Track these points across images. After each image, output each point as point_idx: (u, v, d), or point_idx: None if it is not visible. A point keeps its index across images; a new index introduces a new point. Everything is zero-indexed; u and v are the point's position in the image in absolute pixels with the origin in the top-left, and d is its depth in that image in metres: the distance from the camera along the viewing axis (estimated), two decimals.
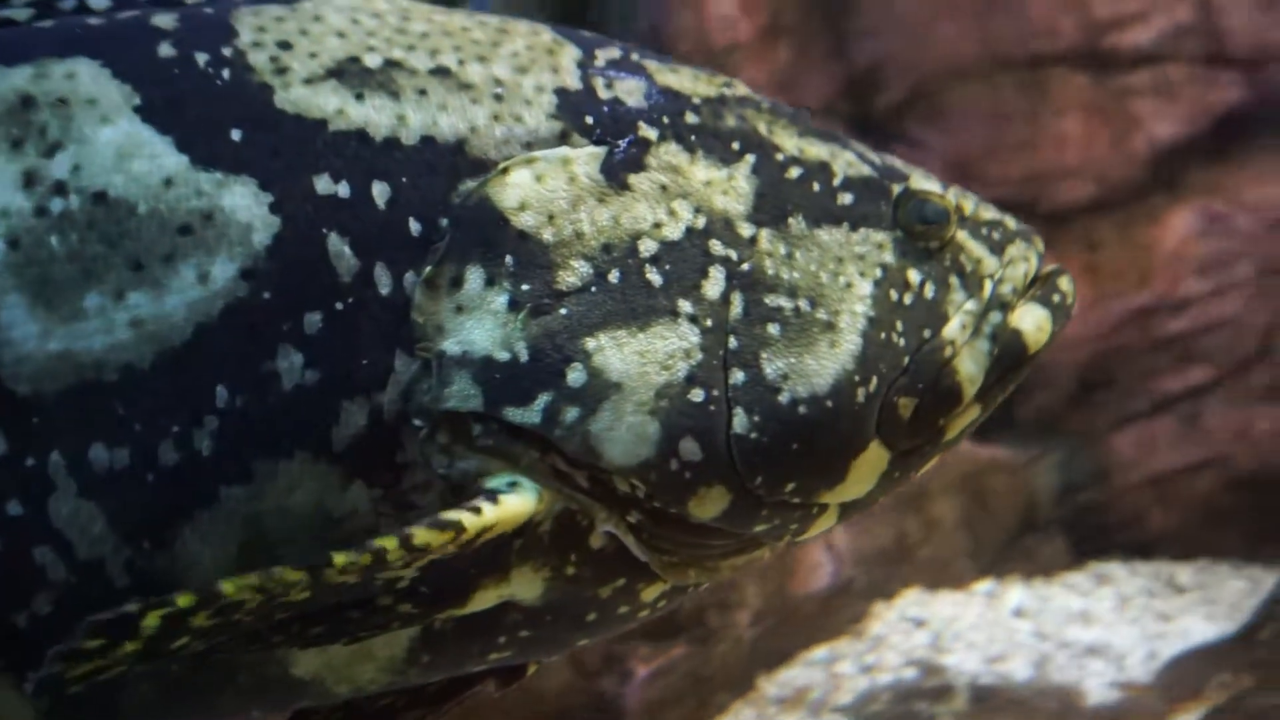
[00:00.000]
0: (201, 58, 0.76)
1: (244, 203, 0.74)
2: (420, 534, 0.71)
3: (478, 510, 0.73)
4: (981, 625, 2.57)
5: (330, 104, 0.77)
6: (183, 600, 0.67)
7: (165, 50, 0.76)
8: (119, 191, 0.73)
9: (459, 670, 0.87)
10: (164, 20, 0.77)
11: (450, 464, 0.76)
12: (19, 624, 0.73)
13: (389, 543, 0.71)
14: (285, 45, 0.78)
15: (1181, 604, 2.68)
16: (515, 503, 0.75)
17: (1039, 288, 0.92)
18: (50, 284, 0.72)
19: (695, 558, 0.83)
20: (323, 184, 0.75)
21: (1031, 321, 0.89)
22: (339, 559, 0.70)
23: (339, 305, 0.74)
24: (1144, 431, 2.83)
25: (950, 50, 2.60)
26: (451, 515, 0.73)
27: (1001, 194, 2.69)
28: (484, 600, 0.79)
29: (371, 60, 0.78)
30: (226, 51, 0.77)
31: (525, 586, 0.80)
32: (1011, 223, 0.96)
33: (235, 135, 0.75)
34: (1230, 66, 2.72)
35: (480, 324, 0.74)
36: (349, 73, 0.78)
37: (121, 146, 0.73)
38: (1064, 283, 0.96)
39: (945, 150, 2.70)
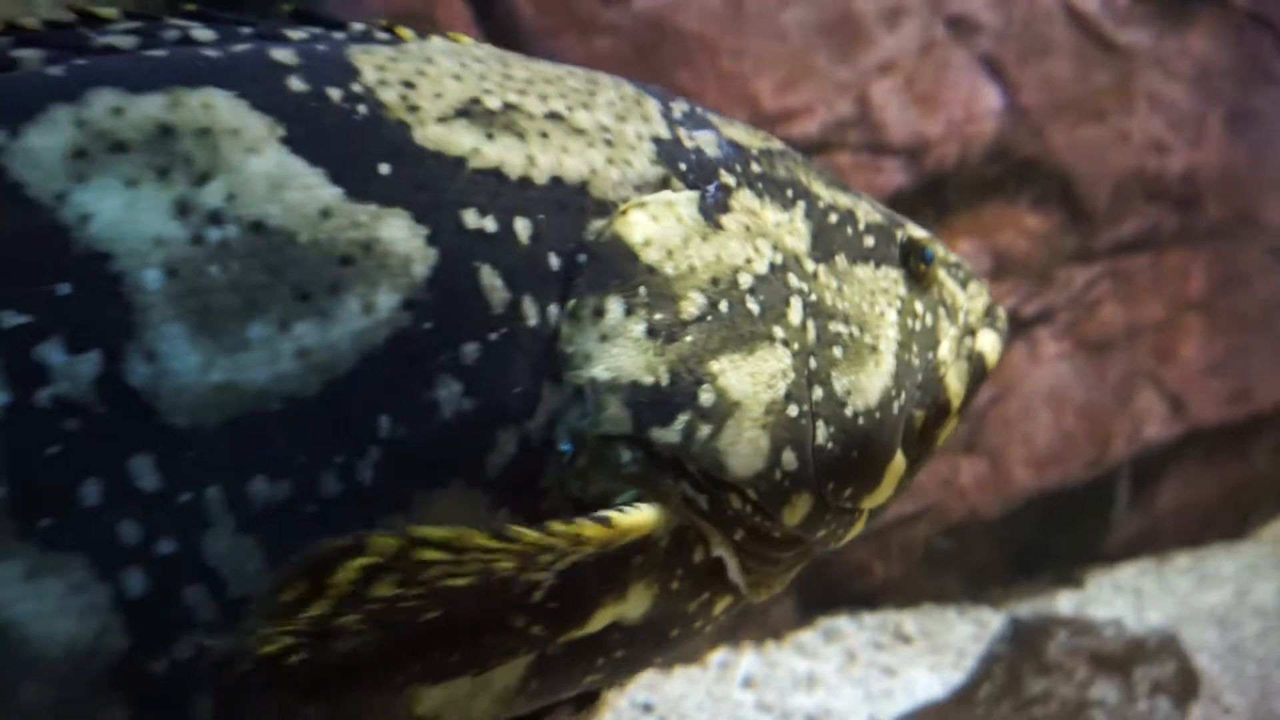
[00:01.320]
0: (335, 93, 0.78)
1: (401, 235, 0.75)
2: (586, 526, 0.72)
3: (622, 512, 0.76)
4: (708, 702, 2.55)
5: (465, 142, 0.80)
6: (385, 543, 0.65)
7: (297, 84, 0.77)
8: (277, 221, 0.73)
9: (556, 697, 0.88)
10: (284, 55, 0.79)
11: (584, 488, 0.79)
12: (156, 671, 0.67)
13: (557, 526, 0.72)
14: (409, 84, 0.81)
15: (908, 654, 2.74)
16: (648, 511, 0.79)
17: (988, 317, 1.06)
18: (212, 314, 0.71)
19: (769, 574, 0.93)
20: (471, 219, 0.78)
21: (989, 345, 1.05)
22: (519, 531, 0.70)
23: (493, 336, 0.76)
24: None
25: None
26: (603, 514, 0.75)
27: None
28: (602, 620, 0.82)
29: (492, 102, 0.83)
30: (356, 88, 0.79)
31: (636, 604, 0.83)
32: (967, 264, 1.09)
33: (383, 169, 0.77)
34: (893, 154, 3.04)
35: (625, 351, 0.79)
36: (475, 113, 0.82)
37: (273, 177, 0.74)
38: (1001, 312, 1.09)
39: None
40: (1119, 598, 3.32)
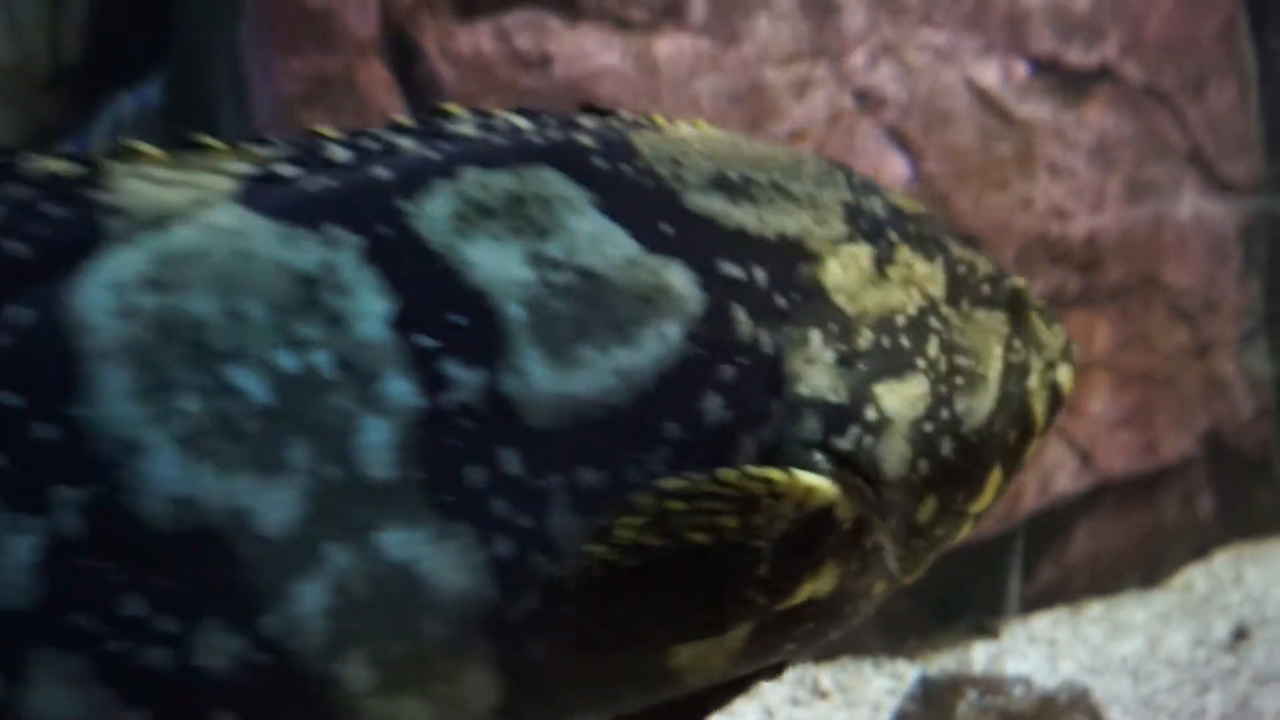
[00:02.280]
0: (626, 169, 1.00)
1: (682, 280, 0.96)
2: (773, 472, 0.91)
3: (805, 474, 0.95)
4: None
5: (718, 207, 1.01)
6: (645, 499, 0.87)
7: (599, 163, 1.00)
8: (599, 269, 0.94)
9: (764, 662, 1.05)
10: (587, 140, 1.01)
11: None
12: (511, 619, 0.88)
13: (774, 473, 0.91)
14: (676, 162, 1.03)
15: (825, 709, 2.78)
16: (827, 482, 0.97)
17: (1064, 353, 1.24)
18: (557, 340, 0.91)
19: (911, 562, 1.10)
20: (726, 268, 0.99)
21: (1065, 377, 1.22)
22: (726, 473, 0.89)
23: (742, 360, 0.97)
24: None
25: None
26: (789, 469, 0.94)
27: None
28: (804, 593, 0.99)
29: (733, 176, 1.04)
30: (640, 164, 1.01)
31: (826, 581, 1.00)
32: (1051, 308, 1.28)
33: (666, 229, 0.99)
34: None
35: (820, 374, 0.99)
36: (722, 184, 1.03)
37: (594, 234, 0.95)
38: (1074, 348, 1.27)
39: None
40: (1033, 648, 3.41)
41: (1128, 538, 4.00)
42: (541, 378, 0.89)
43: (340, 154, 0.91)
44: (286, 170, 0.89)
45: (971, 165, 3.51)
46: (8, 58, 2.57)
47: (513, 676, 0.87)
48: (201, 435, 0.78)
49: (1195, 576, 4.07)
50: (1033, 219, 3.69)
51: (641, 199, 0.98)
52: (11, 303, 0.76)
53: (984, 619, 3.48)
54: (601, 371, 0.90)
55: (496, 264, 0.89)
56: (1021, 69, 3.73)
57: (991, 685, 2.73)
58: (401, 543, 0.83)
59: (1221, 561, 4.15)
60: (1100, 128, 3.99)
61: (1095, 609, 3.79)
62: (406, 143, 0.94)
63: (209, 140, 0.91)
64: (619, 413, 0.91)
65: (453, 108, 1.00)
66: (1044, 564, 3.79)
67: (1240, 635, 3.53)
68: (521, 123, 0.99)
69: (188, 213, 0.83)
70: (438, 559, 0.84)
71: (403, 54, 2.72)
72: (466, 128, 0.98)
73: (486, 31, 2.77)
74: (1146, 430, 3.98)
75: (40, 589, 0.72)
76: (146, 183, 0.83)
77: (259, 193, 0.87)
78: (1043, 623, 3.61)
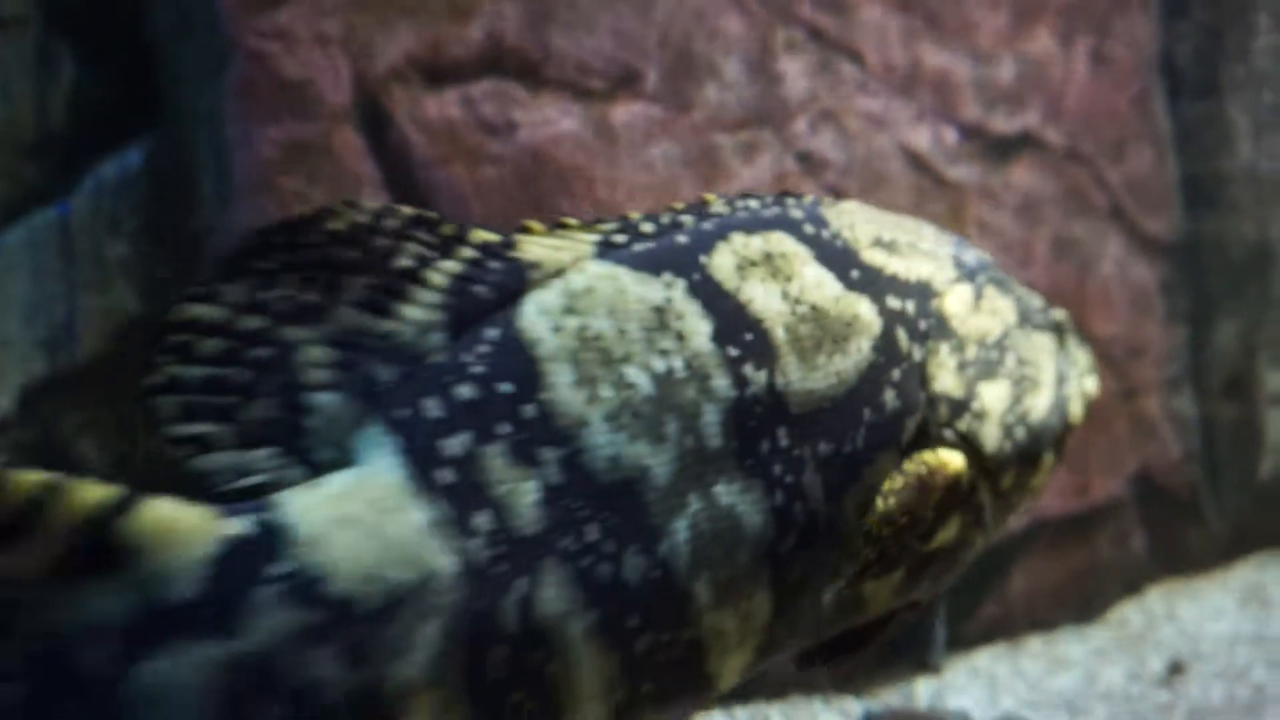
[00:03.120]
0: (825, 233, 1.33)
1: (867, 310, 1.31)
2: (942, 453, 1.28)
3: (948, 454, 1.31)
4: None
5: (880, 260, 1.34)
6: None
7: (809, 229, 1.32)
8: (821, 302, 1.28)
9: (910, 598, 1.37)
10: (797, 214, 1.35)
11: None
12: (779, 550, 1.20)
13: (929, 458, 1.28)
14: (850, 228, 1.36)
15: None
16: (959, 456, 1.32)
17: (1091, 368, 1.59)
18: (803, 352, 1.24)
19: (998, 520, 1.40)
20: (891, 301, 1.33)
21: (1091, 385, 1.56)
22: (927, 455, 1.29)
23: (904, 364, 1.32)
24: None
25: None
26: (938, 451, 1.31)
27: None
28: (939, 541, 1.33)
29: (885, 237, 1.38)
30: (831, 231, 1.34)
31: (951, 531, 1.32)
32: (1079, 334, 1.61)
33: (854, 274, 1.32)
34: None
35: (948, 376, 1.34)
36: (881, 243, 1.36)
37: (817, 278, 1.28)
38: (1094, 363, 1.61)
39: None
40: (974, 683, 3.54)
41: (1064, 575, 4.16)
42: (796, 378, 1.23)
43: (648, 227, 1.25)
44: (618, 238, 1.23)
45: None
46: None
47: (779, 597, 1.19)
48: (618, 414, 1.10)
49: (1130, 612, 4.21)
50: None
51: (837, 254, 1.33)
52: (485, 325, 1.09)
53: (927, 656, 3.61)
54: (829, 374, 1.25)
55: (765, 299, 1.24)
56: (951, 134, 3.99)
57: (931, 719, 2.84)
58: (726, 493, 1.16)
59: (1155, 597, 4.30)
60: (1026, 188, 4.26)
61: (1034, 644, 3.92)
62: (687, 219, 1.28)
63: (569, 220, 1.28)
64: (837, 403, 1.25)
65: (710, 196, 1.33)
66: (985, 602, 3.94)
67: (1175, 670, 3.66)
68: (753, 203, 1.34)
69: (574, 265, 1.17)
70: (745, 506, 1.16)
71: (375, 121, 2.87)
72: (721, 208, 1.31)
73: (454, 100, 2.94)
74: (1080, 472, 4.17)
75: (542, 519, 1.02)
76: (542, 247, 1.18)
77: (608, 252, 1.21)
78: (984, 658, 3.74)
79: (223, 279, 0.98)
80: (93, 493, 0.79)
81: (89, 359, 2.85)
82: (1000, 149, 4.20)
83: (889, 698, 3.30)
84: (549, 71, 3.06)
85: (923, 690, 3.42)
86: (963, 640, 3.80)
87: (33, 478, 0.79)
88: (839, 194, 3.57)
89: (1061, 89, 4.51)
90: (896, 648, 3.56)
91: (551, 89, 3.06)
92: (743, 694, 3.03)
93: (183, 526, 0.81)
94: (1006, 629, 3.94)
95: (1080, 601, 4.20)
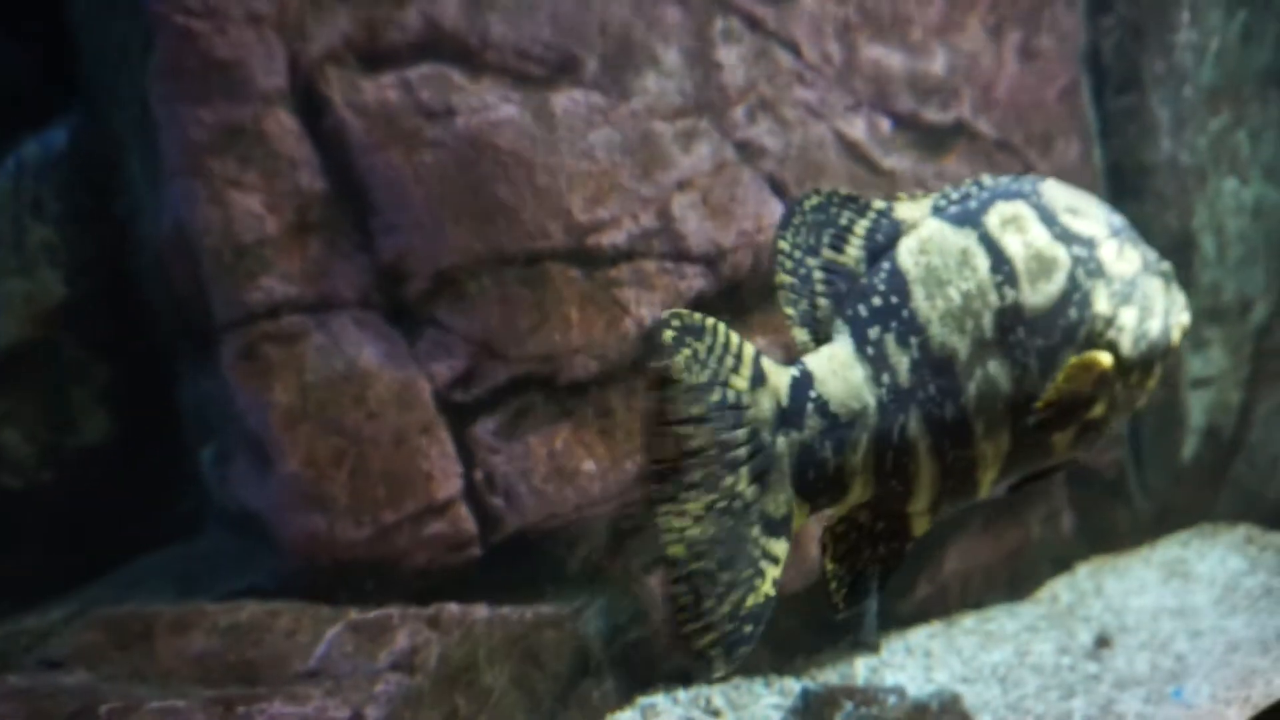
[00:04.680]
0: (1041, 201, 1.67)
1: (1063, 254, 1.62)
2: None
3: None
4: None
5: (1068, 220, 1.67)
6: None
7: (1033, 199, 1.67)
8: (1041, 248, 1.62)
9: (1070, 456, 1.67)
10: (1027, 188, 1.66)
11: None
12: (1016, 405, 1.59)
13: (1102, 357, 1.59)
14: (1053, 198, 1.66)
15: None
16: (1108, 356, 1.60)
17: (1185, 306, 1.80)
18: (1032, 279, 1.60)
19: (1125, 410, 1.68)
20: (1074, 249, 1.63)
21: (1185, 319, 1.78)
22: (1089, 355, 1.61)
23: (1080, 291, 1.61)
24: None
25: (462, 247, 3.02)
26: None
27: (524, 370, 3.09)
28: (1093, 413, 1.61)
29: (1071, 205, 1.66)
30: (1043, 201, 1.66)
31: (1100, 408, 1.61)
32: (1179, 279, 1.81)
33: (1055, 230, 1.65)
34: (693, 262, 3.38)
35: (1102, 301, 1.62)
36: (1069, 209, 1.67)
37: (1038, 232, 1.65)
38: (1187, 302, 1.83)
39: (470, 333, 3.06)
40: (911, 660, 3.62)
41: (997, 555, 4.27)
42: (1028, 296, 1.64)
43: (955, 196, 1.63)
44: (941, 204, 1.62)
45: None
46: None
47: (1014, 436, 1.59)
48: (945, 317, 1.56)
49: (1059, 589, 4.34)
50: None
51: (1047, 216, 1.65)
52: (882, 260, 1.57)
53: (862, 635, 3.68)
54: (1044, 294, 1.59)
55: (1013, 245, 1.59)
56: (885, 124, 4.05)
57: (867, 696, 2.91)
58: (994, 367, 1.57)
59: (1083, 574, 4.44)
60: (958, 177, 4.33)
61: (968, 621, 4.02)
62: (974, 191, 1.65)
63: (916, 193, 1.64)
64: (1047, 313, 1.59)
65: (985, 177, 1.67)
66: (920, 581, 4.03)
67: (1102, 643, 3.78)
68: (1005, 181, 1.66)
69: (922, 221, 1.59)
70: (1002, 376, 1.58)
71: (310, 105, 2.82)
72: (989, 183, 1.65)
73: (391, 84, 2.90)
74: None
75: (910, 380, 1.53)
76: (907, 209, 1.60)
77: (938, 213, 1.62)
78: (919, 636, 3.83)
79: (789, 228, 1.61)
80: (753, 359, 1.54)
81: (9, 345, 2.76)
82: (933, 139, 4.29)
83: (827, 677, 3.36)
84: (488, 57, 3.04)
85: (861, 669, 3.48)
86: (899, 619, 3.88)
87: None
88: (777, 184, 3.61)
89: (992, 81, 4.61)
90: (834, 629, 3.62)
91: (491, 75, 3.04)
92: (685, 678, 3.06)
93: (779, 370, 1.53)
94: (941, 608, 4.04)
95: (1012, 580, 4.32)
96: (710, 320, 1.49)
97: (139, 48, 2.68)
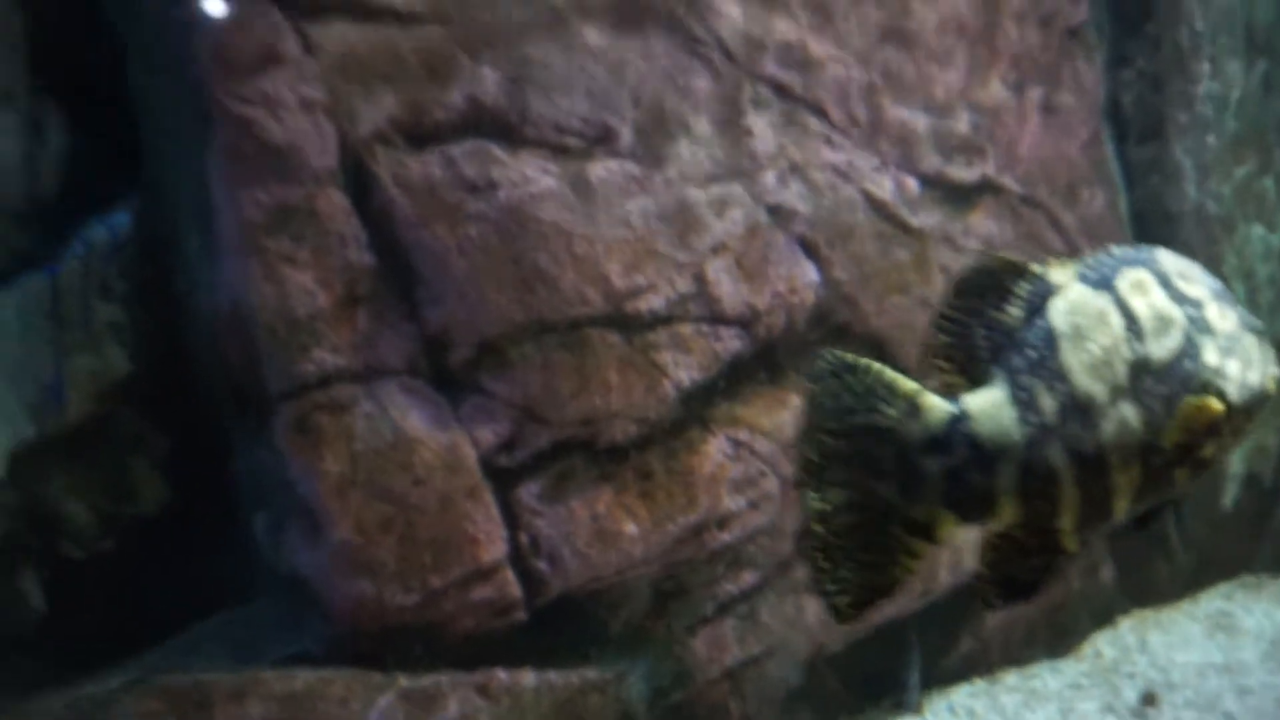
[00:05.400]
0: (1158, 268, 1.79)
1: (1177, 313, 1.77)
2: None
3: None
4: None
5: (1180, 284, 1.79)
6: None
7: (1152, 266, 1.78)
8: (1160, 308, 1.77)
9: (1189, 488, 1.80)
10: (1145, 257, 1.77)
11: None
12: (1145, 443, 1.74)
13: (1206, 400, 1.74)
14: (1166, 265, 1.79)
15: None
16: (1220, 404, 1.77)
17: (1276, 359, 1.95)
18: (1155, 334, 1.75)
19: (1229, 451, 1.82)
20: (1186, 309, 1.77)
21: (1276, 371, 1.93)
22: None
23: (1192, 346, 1.77)
24: (713, 632, 3.18)
25: (504, 316, 3.11)
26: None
27: (566, 433, 3.16)
28: (1204, 453, 1.75)
29: (1181, 270, 1.79)
30: (1160, 267, 1.79)
31: (1209, 449, 1.76)
32: (1267, 336, 1.94)
33: (1170, 292, 1.78)
34: (728, 324, 3.45)
35: (1211, 353, 1.77)
36: (1179, 275, 1.79)
37: (1157, 294, 1.78)
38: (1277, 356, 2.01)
39: (513, 399, 3.14)
40: None
41: (1038, 609, 4.25)
42: (1152, 348, 1.81)
43: (1093, 263, 1.80)
44: (1082, 270, 1.78)
45: (874, 270, 3.85)
46: None
47: (1144, 470, 1.76)
48: (1086, 367, 1.75)
49: (1102, 644, 4.29)
50: (931, 317, 4.03)
51: (1164, 280, 1.82)
52: (1036, 317, 1.76)
53: (904, 697, 3.67)
54: (1164, 347, 1.78)
55: (1139, 305, 1.78)
56: (912, 184, 4.13)
57: None
58: (1125, 408, 1.77)
59: (1126, 628, 4.40)
60: (985, 233, 4.41)
61: (1010, 679, 3.99)
62: (1108, 260, 1.80)
63: (1048, 262, 1.80)
64: (1167, 364, 1.76)
65: (1115, 248, 1.81)
66: (961, 637, 4.01)
67: (1148, 701, 3.74)
68: (1129, 250, 1.82)
69: (1069, 284, 1.78)
70: (1132, 416, 1.77)
71: (360, 183, 2.94)
72: (1118, 252, 1.81)
73: (436, 160, 3.02)
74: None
75: (1055, 418, 1.73)
76: (1058, 273, 1.77)
77: (1081, 277, 1.79)
78: (961, 694, 3.80)
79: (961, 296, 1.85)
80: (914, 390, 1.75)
81: (76, 420, 2.86)
82: (960, 196, 4.36)
83: None
84: (527, 132, 3.15)
85: None
86: (941, 677, 3.86)
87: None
88: (809, 246, 3.69)
89: (1015, 137, 4.69)
90: (876, 687, 3.62)
91: (530, 148, 3.15)
92: None
93: (937, 405, 1.74)
94: (983, 665, 4.01)
95: (1054, 635, 4.29)
96: (863, 361, 1.76)
97: (200, 134, 2.82)
